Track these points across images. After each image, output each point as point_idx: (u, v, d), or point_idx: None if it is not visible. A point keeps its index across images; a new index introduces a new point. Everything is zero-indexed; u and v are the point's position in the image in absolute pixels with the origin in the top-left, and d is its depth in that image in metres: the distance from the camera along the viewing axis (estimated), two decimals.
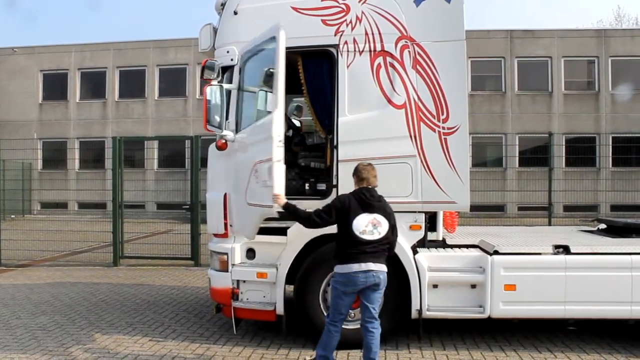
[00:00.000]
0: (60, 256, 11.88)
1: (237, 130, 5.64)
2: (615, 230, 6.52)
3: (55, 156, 25.68)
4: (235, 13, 5.76)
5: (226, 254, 5.74)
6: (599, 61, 24.06)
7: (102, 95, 26.51)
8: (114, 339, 6.04)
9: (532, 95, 24.32)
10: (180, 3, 66.10)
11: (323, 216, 4.72)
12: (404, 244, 5.41)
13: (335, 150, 5.58)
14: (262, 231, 5.47)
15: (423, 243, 5.73)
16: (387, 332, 5.20)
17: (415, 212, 5.59)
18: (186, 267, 10.57)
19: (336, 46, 5.60)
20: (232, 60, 5.70)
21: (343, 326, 4.90)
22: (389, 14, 5.56)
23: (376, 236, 4.62)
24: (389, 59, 5.55)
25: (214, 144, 5.81)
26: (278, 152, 4.76)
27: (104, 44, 26.51)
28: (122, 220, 11.02)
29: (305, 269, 5.63)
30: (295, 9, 5.65)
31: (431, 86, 5.51)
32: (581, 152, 21.64)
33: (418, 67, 5.52)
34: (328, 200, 5.32)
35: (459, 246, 5.96)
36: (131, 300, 7.96)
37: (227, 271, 5.72)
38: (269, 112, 5.03)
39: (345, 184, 5.28)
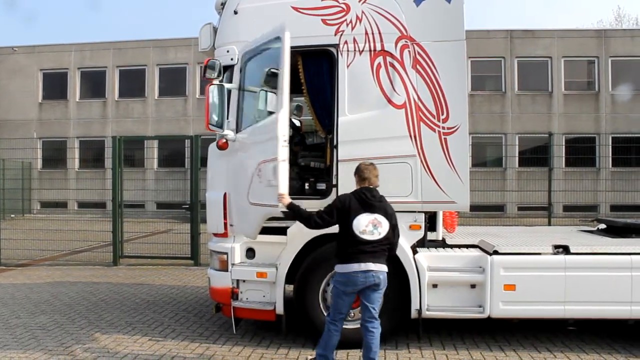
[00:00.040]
0: (60, 256, 11.88)
1: (237, 130, 5.63)
2: (615, 231, 6.52)
3: (55, 155, 25.67)
4: (235, 12, 5.75)
5: (226, 253, 5.74)
6: (599, 61, 24.06)
7: (102, 94, 26.50)
8: (114, 338, 6.04)
9: (532, 95, 24.32)
10: (180, 3, 66.14)
11: (324, 217, 4.73)
12: (403, 244, 5.40)
13: (335, 150, 5.58)
14: (262, 231, 5.45)
15: (423, 243, 5.73)
16: (387, 332, 5.20)
17: (415, 211, 5.59)
18: (186, 267, 10.57)
19: (336, 46, 5.60)
20: (232, 59, 5.69)
21: (343, 326, 4.90)
22: (389, 13, 5.56)
23: (376, 236, 4.62)
24: (389, 59, 5.55)
25: (213, 143, 5.81)
26: (283, 152, 4.78)
27: (103, 44, 26.50)
28: (122, 219, 11.02)
29: (305, 269, 5.63)
30: (295, 8, 5.64)
31: (431, 86, 5.51)
32: (581, 152, 21.64)
33: (418, 66, 5.52)
34: (328, 200, 5.33)
35: (459, 246, 5.96)
36: (131, 299, 7.96)
37: (226, 271, 5.72)
38: (270, 112, 5.05)
39: (345, 184, 5.28)
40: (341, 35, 5.60)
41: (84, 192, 21.59)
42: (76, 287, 8.80)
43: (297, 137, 6.78)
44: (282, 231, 5.66)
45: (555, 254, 5.53)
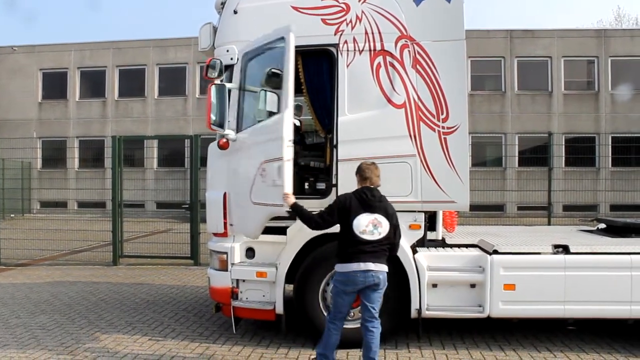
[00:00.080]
0: (60, 255, 11.87)
1: (237, 130, 5.63)
2: (614, 230, 6.52)
3: (54, 155, 25.66)
4: (235, 12, 5.75)
5: (226, 253, 5.74)
6: (599, 61, 24.06)
7: (102, 94, 26.50)
8: (114, 338, 6.04)
9: (531, 95, 24.33)
10: (180, 3, 66.11)
11: (325, 217, 4.75)
12: (403, 244, 5.39)
13: (334, 150, 5.58)
14: (262, 230, 5.47)
15: (422, 242, 5.74)
16: (387, 331, 5.19)
17: (414, 211, 5.59)
18: (186, 267, 10.57)
19: (336, 45, 5.60)
20: (231, 59, 5.69)
21: (343, 325, 4.89)
22: (388, 13, 5.56)
23: (376, 236, 4.63)
24: (388, 59, 5.55)
25: (213, 143, 5.81)
26: (288, 152, 4.82)
27: (103, 43, 26.50)
28: (122, 219, 11.01)
29: (305, 269, 5.62)
30: (295, 8, 5.64)
31: (431, 86, 5.51)
32: (581, 152, 21.65)
33: (418, 66, 5.52)
34: (327, 200, 5.34)
35: (459, 246, 5.96)
36: (130, 299, 7.96)
37: (226, 270, 5.72)
38: (270, 112, 5.06)
39: (345, 184, 5.28)
40: (341, 34, 5.60)
41: (84, 191, 21.59)
42: (76, 287, 8.80)
43: (297, 136, 6.77)
44: (282, 231, 5.66)
45: (555, 253, 5.53)
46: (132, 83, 26.33)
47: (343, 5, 5.61)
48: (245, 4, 5.76)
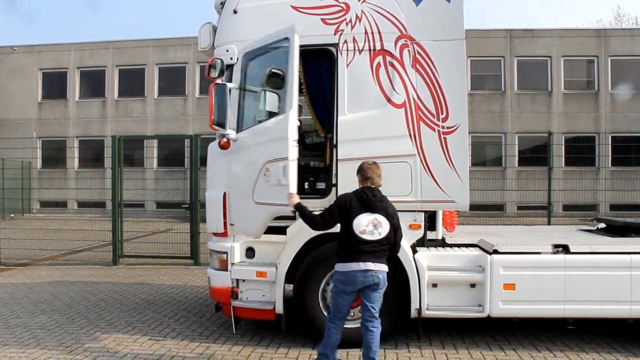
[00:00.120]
0: (60, 255, 11.87)
1: (238, 129, 5.62)
2: (614, 230, 6.52)
3: (54, 155, 25.66)
4: (235, 12, 5.75)
5: (226, 252, 5.74)
6: (599, 61, 24.06)
7: (102, 94, 26.49)
8: (114, 338, 6.04)
9: (531, 94, 24.32)
10: (180, 3, 66.11)
11: (326, 218, 4.76)
12: (403, 243, 5.39)
13: (334, 149, 5.58)
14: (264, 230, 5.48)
15: (422, 242, 5.74)
16: (387, 331, 5.19)
17: (414, 211, 5.59)
18: (185, 266, 10.57)
19: (336, 45, 5.60)
20: (231, 59, 5.68)
21: (343, 325, 4.89)
22: (388, 12, 5.56)
23: (376, 236, 4.62)
24: (388, 58, 5.55)
25: (213, 142, 5.81)
26: (293, 151, 4.85)
27: (103, 43, 26.49)
28: (122, 219, 11.01)
29: (305, 268, 5.62)
30: (295, 7, 5.64)
31: (431, 85, 5.51)
32: (580, 151, 21.63)
33: (418, 66, 5.52)
34: (327, 199, 5.34)
35: (459, 245, 5.96)
36: (130, 299, 7.96)
37: (226, 270, 5.72)
38: (270, 112, 5.07)
39: (345, 183, 5.28)
40: (341, 34, 5.60)
41: (84, 191, 21.56)
42: (76, 287, 8.80)
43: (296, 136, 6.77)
44: (282, 230, 5.66)
45: (554, 253, 5.53)
46: (132, 83, 26.33)
47: (343, 5, 5.61)
48: (244, 3, 5.76)
